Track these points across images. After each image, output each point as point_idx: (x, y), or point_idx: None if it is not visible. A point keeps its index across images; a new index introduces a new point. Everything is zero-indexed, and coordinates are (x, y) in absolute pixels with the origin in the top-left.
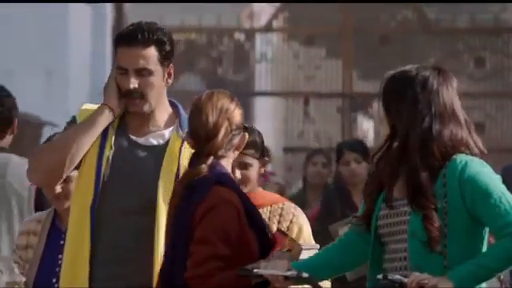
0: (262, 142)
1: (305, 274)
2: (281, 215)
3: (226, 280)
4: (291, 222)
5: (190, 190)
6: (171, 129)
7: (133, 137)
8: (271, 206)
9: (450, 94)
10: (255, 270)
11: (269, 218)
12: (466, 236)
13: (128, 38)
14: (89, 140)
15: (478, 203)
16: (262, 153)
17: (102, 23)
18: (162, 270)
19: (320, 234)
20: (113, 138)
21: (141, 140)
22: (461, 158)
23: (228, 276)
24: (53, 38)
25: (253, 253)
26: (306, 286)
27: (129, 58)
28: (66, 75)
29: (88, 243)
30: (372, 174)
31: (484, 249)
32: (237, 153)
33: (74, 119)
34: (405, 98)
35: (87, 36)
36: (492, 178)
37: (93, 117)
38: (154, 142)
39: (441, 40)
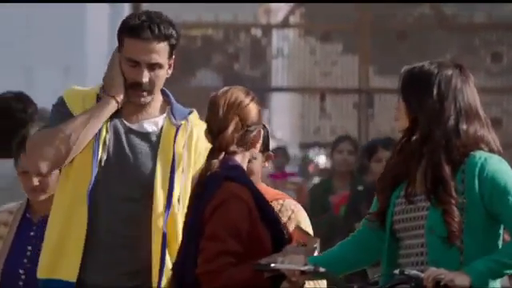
0: (267, 135)
1: (321, 269)
2: (280, 211)
3: (236, 275)
4: (289, 218)
5: (201, 187)
6: (163, 116)
7: (127, 123)
8: (271, 202)
9: (473, 91)
10: (272, 265)
11: None
12: (483, 232)
13: (141, 30)
14: (94, 131)
15: (495, 200)
16: (267, 147)
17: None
18: (174, 266)
19: (345, 232)
20: (108, 123)
21: (135, 126)
22: (480, 154)
23: (239, 271)
24: (71, 36)
25: (265, 248)
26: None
27: (143, 52)
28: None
29: (84, 229)
30: (384, 171)
31: (499, 246)
32: (254, 150)
33: (61, 101)
34: (429, 94)
35: (105, 34)
36: (510, 176)
37: (100, 108)
38: (149, 128)
39: (457, 36)
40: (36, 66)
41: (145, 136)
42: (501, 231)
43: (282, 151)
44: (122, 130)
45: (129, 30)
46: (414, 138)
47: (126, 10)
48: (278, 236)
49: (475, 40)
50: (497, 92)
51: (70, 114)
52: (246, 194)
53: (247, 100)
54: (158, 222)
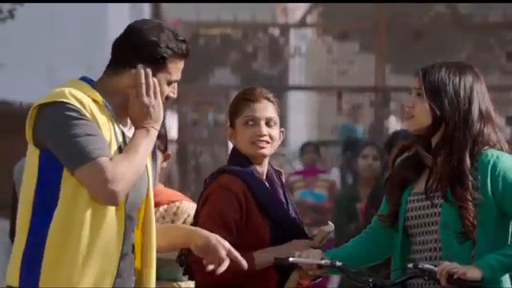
0: (166, 134)
1: (338, 263)
2: (175, 214)
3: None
4: (184, 221)
5: (205, 183)
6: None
7: (123, 128)
8: (168, 204)
9: (488, 95)
10: (291, 259)
11: (163, 217)
12: (494, 228)
13: (187, 53)
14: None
15: (507, 197)
16: (166, 146)
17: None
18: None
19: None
20: (113, 131)
21: (128, 133)
22: (492, 152)
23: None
24: (93, 35)
25: (262, 237)
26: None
27: (179, 72)
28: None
29: (121, 241)
30: (392, 173)
31: (508, 241)
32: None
33: (75, 107)
34: (457, 96)
35: None
36: None
37: (151, 143)
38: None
39: (473, 34)
40: (58, 65)
41: None
42: (510, 228)
43: (312, 147)
44: (121, 138)
45: (179, 53)
46: (436, 136)
47: (145, 9)
48: (281, 224)
49: (490, 39)
50: (511, 90)
51: (91, 120)
52: (236, 184)
53: None
54: (153, 229)
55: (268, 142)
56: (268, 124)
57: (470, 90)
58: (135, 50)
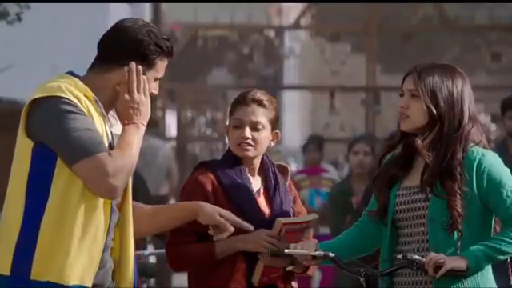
0: None
1: (331, 254)
2: None
3: (191, 249)
4: None
5: None
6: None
7: (110, 127)
8: None
9: (472, 95)
10: (286, 250)
11: None
12: (478, 221)
13: (172, 52)
14: None
15: (491, 193)
16: None
17: None
18: None
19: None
20: (105, 126)
21: (113, 129)
22: (477, 149)
23: (195, 247)
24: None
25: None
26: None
27: (163, 69)
28: None
29: (105, 233)
30: (380, 172)
31: (491, 234)
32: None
33: (71, 102)
34: (451, 97)
35: None
36: (505, 171)
37: (140, 138)
38: (118, 132)
39: (459, 36)
40: (62, 64)
41: (117, 138)
42: (493, 221)
43: (315, 146)
44: (110, 134)
45: (164, 51)
46: (431, 133)
47: (146, 11)
48: (247, 215)
49: (476, 40)
50: (496, 89)
51: (87, 115)
52: (206, 176)
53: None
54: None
55: (251, 145)
56: (254, 128)
57: (461, 91)
58: (126, 48)
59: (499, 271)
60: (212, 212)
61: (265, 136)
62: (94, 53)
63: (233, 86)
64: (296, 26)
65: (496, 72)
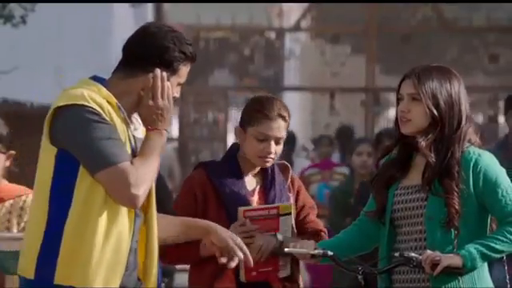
0: (8, 133)
1: (329, 253)
2: (22, 208)
3: (178, 247)
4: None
5: None
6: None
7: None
8: (14, 199)
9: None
10: (286, 249)
11: (10, 212)
12: (474, 220)
13: (195, 57)
14: None
15: (486, 192)
16: (9, 146)
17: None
18: None
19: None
20: (127, 133)
21: (136, 133)
22: (473, 149)
23: (177, 246)
24: (99, 37)
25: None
26: None
27: (186, 75)
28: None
29: (130, 237)
30: (379, 173)
31: (487, 233)
32: None
33: (95, 110)
34: (451, 98)
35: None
36: (501, 171)
37: (160, 146)
38: (142, 135)
39: (458, 37)
40: (66, 66)
41: (140, 142)
42: (488, 220)
43: (327, 141)
44: (133, 141)
45: (189, 58)
46: (432, 134)
47: (149, 12)
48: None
49: (474, 41)
50: (494, 90)
51: (110, 123)
52: (198, 176)
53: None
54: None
55: (273, 158)
56: (277, 142)
57: (458, 92)
58: (152, 54)
59: (495, 267)
60: (225, 236)
61: (281, 147)
62: (98, 54)
63: (234, 87)
64: (296, 27)
65: (494, 73)
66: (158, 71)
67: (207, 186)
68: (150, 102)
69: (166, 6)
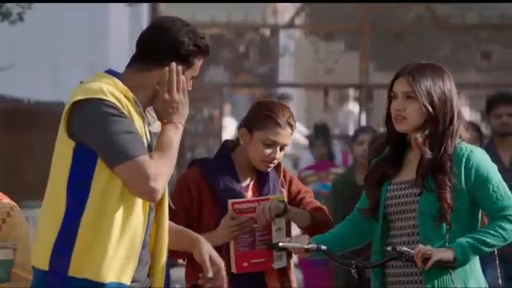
0: None
1: (323, 247)
2: None
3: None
4: (4, 220)
5: None
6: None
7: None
8: None
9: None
10: (280, 244)
11: None
12: (466, 215)
13: (209, 50)
14: None
15: (478, 187)
16: None
17: (139, 22)
18: None
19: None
20: (145, 128)
21: (151, 127)
22: (465, 146)
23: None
24: (95, 35)
25: (212, 222)
26: None
27: (199, 69)
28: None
29: (144, 231)
30: (371, 171)
31: (478, 227)
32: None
33: (113, 104)
34: (445, 95)
35: (125, 33)
36: (492, 166)
37: (179, 138)
38: (157, 129)
39: (450, 34)
40: (63, 64)
41: (156, 136)
42: (479, 215)
43: (323, 142)
44: (149, 135)
45: (204, 51)
46: (427, 131)
47: (144, 10)
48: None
49: (467, 39)
50: (486, 87)
51: (128, 117)
52: (192, 173)
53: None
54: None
55: (275, 164)
56: (282, 148)
57: (450, 89)
58: (167, 48)
59: (488, 265)
60: (204, 252)
61: (283, 153)
62: (94, 53)
63: (229, 83)
64: (291, 25)
65: (486, 70)
66: (174, 65)
67: (202, 183)
68: (166, 96)
69: (162, 5)
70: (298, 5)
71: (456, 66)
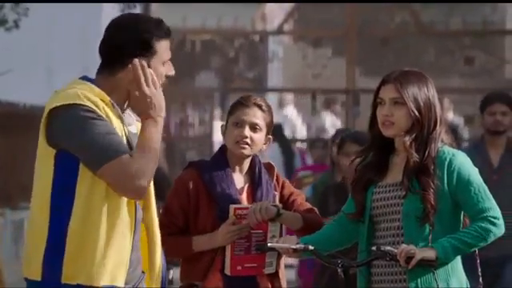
0: None
1: (310, 247)
2: None
3: (169, 241)
4: None
5: None
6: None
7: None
8: None
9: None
10: (269, 244)
11: None
12: (448, 216)
13: (169, 31)
14: None
15: (459, 190)
16: None
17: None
18: None
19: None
20: (123, 126)
21: (131, 128)
22: (447, 149)
23: (170, 240)
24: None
25: (209, 223)
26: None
27: (168, 50)
28: None
29: (132, 232)
30: (357, 175)
31: (460, 228)
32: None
33: (89, 108)
34: (430, 100)
35: None
36: (473, 169)
37: (160, 130)
38: (135, 130)
39: (435, 40)
40: (57, 67)
41: (135, 137)
42: (461, 216)
43: (321, 144)
44: (128, 133)
45: (164, 32)
46: (411, 136)
47: (137, 11)
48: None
49: (450, 45)
50: (469, 92)
51: (106, 120)
52: (189, 174)
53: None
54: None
55: (248, 144)
56: (253, 128)
57: (433, 96)
58: (123, 46)
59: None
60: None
61: (261, 137)
62: (88, 54)
63: (219, 88)
64: (279, 31)
65: (469, 75)
66: (135, 61)
67: (199, 184)
68: (137, 93)
69: (154, 9)
70: (286, 10)
71: (440, 71)
